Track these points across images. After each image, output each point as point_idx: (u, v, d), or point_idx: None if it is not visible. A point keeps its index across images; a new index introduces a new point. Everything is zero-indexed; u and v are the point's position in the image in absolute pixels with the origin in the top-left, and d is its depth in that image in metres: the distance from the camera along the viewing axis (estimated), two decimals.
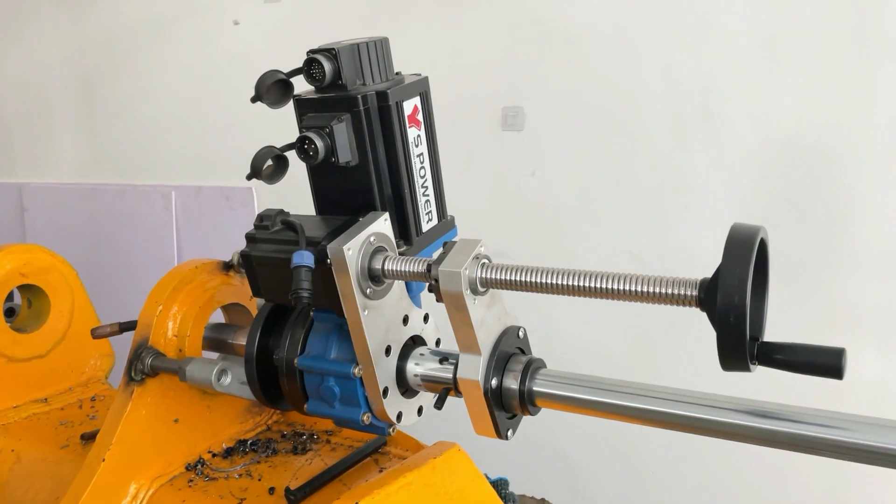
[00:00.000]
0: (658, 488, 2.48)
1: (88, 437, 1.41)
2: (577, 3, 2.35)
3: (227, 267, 1.33)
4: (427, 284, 0.97)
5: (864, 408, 1.06)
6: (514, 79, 2.47)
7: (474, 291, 0.95)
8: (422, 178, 1.13)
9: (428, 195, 1.14)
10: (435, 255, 0.98)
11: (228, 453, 1.31)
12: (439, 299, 0.97)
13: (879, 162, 2.06)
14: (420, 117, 1.11)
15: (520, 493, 1.68)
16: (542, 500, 1.83)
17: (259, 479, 1.23)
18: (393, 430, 1.15)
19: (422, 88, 1.11)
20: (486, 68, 2.51)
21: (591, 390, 0.99)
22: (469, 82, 2.54)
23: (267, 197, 2.99)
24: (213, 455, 1.30)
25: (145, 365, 1.19)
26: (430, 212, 1.15)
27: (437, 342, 1.17)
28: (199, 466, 1.26)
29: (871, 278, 2.12)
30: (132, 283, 3.11)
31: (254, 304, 1.37)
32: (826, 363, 0.76)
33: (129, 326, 1.40)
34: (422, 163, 1.12)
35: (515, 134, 2.47)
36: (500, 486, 1.50)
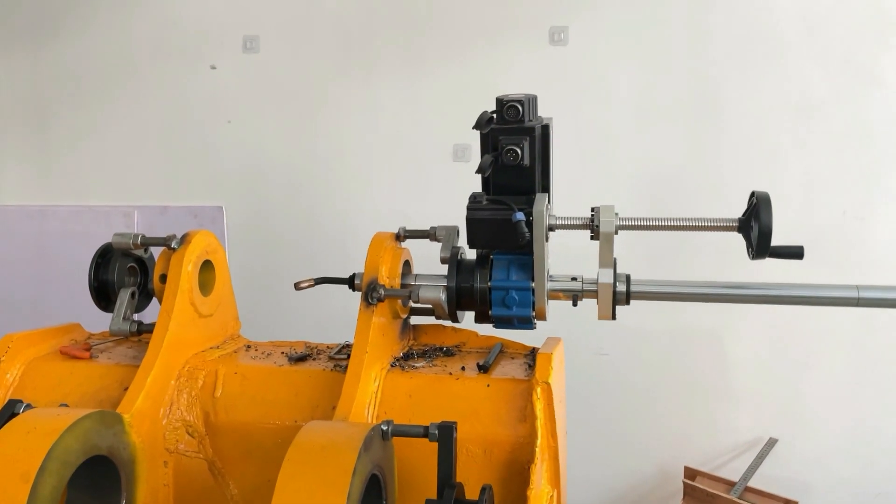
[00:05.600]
0: None
1: (296, 359, 1.98)
2: (513, 73, 3.26)
3: (397, 238, 2.01)
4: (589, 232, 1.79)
5: None
6: (462, 121, 3.31)
7: (615, 232, 1.78)
8: (551, 175, 1.93)
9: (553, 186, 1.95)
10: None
11: (406, 358, 1.98)
12: (595, 237, 1.79)
13: (710, 190, 3.19)
14: (553, 140, 1.92)
15: None
16: None
17: (445, 366, 1.92)
18: (535, 326, 1.92)
19: (552, 123, 1.93)
20: (438, 111, 3.32)
21: (663, 286, 1.87)
22: (424, 122, 3.33)
23: (236, 214, 3.50)
24: (398, 359, 1.97)
25: (380, 294, 1.85)
26: (552, 194, 1.96)
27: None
28: (400, 362, 1.93)
29: (707, 265, 3.24)
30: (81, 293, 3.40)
31: (411, 261, 2.07)
32: (796, 252, 1.70)
33: (321, 281, 2.03)
34: (552, 166, 1.93)
35: (463, 164, 3.30)
36: None
